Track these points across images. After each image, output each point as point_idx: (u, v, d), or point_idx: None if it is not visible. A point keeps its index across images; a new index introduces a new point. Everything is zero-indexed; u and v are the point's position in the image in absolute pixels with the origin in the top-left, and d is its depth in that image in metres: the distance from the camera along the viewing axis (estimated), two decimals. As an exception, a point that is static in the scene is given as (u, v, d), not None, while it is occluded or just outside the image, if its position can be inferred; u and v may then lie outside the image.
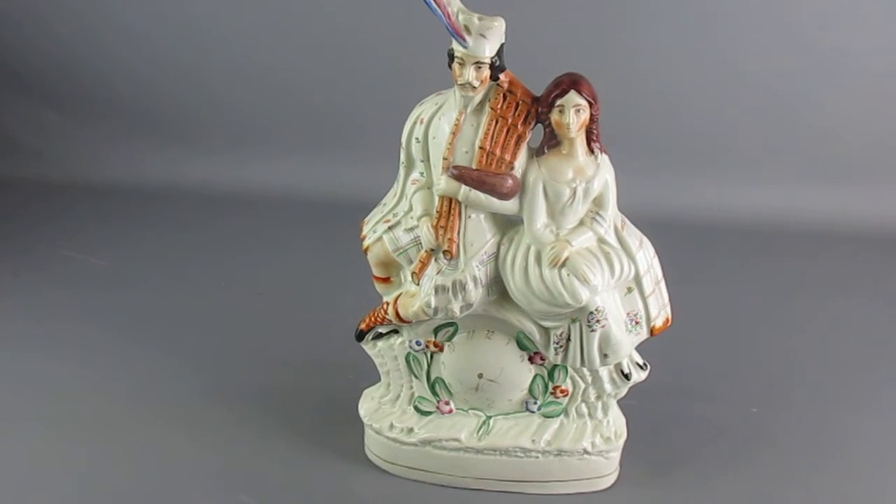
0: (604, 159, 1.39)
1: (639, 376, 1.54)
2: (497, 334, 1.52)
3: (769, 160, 2.96)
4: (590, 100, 1.34)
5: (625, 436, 1.58)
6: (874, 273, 2.55)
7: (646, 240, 1.46)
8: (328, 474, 1.63)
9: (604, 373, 1.52)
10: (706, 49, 2.88)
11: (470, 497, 1.59)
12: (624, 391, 1.56)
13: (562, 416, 1.58)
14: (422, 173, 1.43)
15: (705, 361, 2.02)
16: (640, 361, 1.55)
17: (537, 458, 1.56)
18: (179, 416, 1.79)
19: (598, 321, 1.40)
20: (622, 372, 1.52)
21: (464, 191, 1.37)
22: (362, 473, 1.64)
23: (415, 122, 1.41)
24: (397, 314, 1.50)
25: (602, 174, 1.38)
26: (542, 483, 1.59)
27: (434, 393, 1.59)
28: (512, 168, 1.37)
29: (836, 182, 2.91)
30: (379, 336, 1.57)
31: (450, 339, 1.54)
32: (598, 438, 1.56)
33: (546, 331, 1.47)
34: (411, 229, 1.45)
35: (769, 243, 2.73)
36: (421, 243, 1.43)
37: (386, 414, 1.62)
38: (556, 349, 1.46)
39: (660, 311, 1.48)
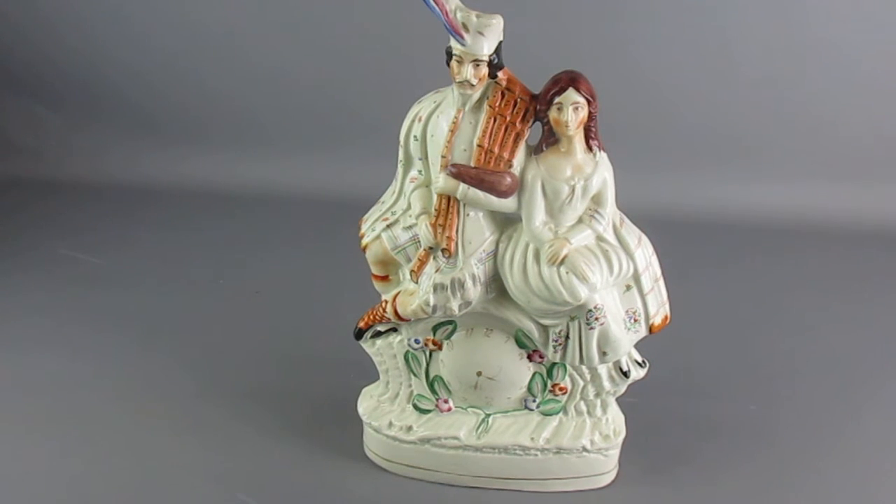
0: (602, 157, 1.39)
1: (637, 374, 1.54)
2: (496, 332, 1.52)
3: (769, 158, 2.96)
4: (588, 97, 1.34)
5: (624, 433, 1.58)
6: (874, 271, 2.55)
7: (644, 237, 1.46)
8: (327, 472, 1.63)
9: (603, 370, 1.52)
10: (706, 47, 2.88)
11: (469, 495, 1.59)
12: (623, 389, 1.56)
13: (561, 414, 1.58)
14: (420, 171, 1.43)
15: (704, 359, 2.02)
16: (639, 359, 1.55)
17: (536, 455, 1.57)
18: (178, 415, 1.80)
19: (596, 319, 1.40)
20: (621, 370, 1.52)
21: (462, 189, 1.37)
22: (361, 472, 1.64)
23: (413, 120, 1.41)
24: (396, 312, 1.50)
25: (600, 172, 1.38)
26: (541, 481, 1.59)
27: (433, 391, 1.59)
28: (510, 166, 1.37)
29: (836, 179, 2.91)
30: (378, 334, 1.57)
31: (448, 337, 1.54)
32: (596, 436, 1.56)
33: (545, 329, 1.47)
34: (410, 227, 1.45)
35: (769, 241, 2.73)
36: (419, 241, 1.43)
37: (385, 412, 1.62)
38: (554, 347, 1.47)
39: (658, 308, 1.48)
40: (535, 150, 1.40)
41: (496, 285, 1.45)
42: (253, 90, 3.15)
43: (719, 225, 2.82)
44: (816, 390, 1.92)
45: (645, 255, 1.45)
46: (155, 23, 3.10)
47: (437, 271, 1.43)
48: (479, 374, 1.55)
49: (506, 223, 1.44)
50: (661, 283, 1.48)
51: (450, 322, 1.51)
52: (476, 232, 1.41)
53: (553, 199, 1.38)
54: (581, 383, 1.54)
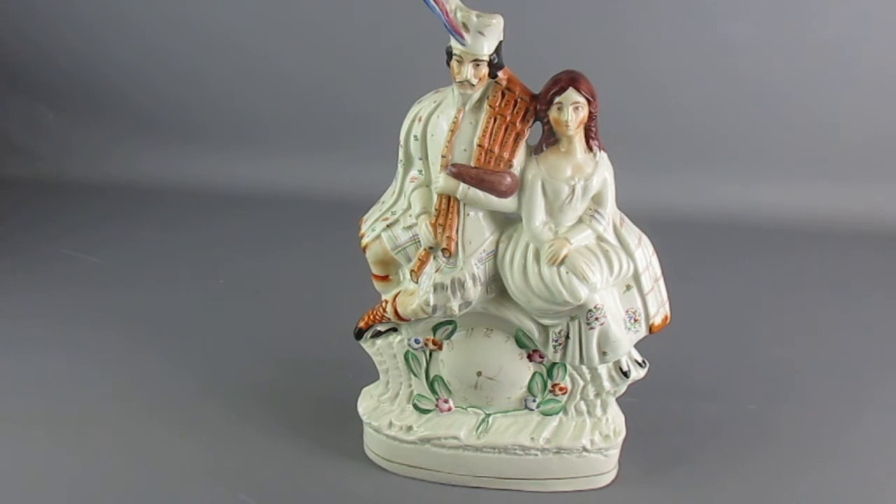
0: (602, 157, 1.39)
1: (637, 374, 1.54)
2: (496, 332, 1.52)
3: (769, 158, 2.96)
4: (588, 97, 1.34)
5: (623, 433, 1.58)
6: (874, 270, 2.55)
7: (644, 237, 1.46)
8: (327, 472, 1.63)
9: (603, 370, 1.52)
10: (706, 46, 2.88)
11: (469, 495, 1.59)
12: (623, 389, 1.56)
13: (561, 414, 1.58)
14: (420, 171, 1.43)
15: (704, 359, 2.02)
16: (639, 359, 1.55)
17: (536, 455, 1.56)
18: (178, 415, 1.79)
19: (596, 319, 1.40)
20: (621, 370, 1.52)
21: (462, 188, 1.37)
22: (361, 472, 1.64)
23: (413, 120, 1.41)
24: (396, 312, 1.50)
25: (601, 172, 1.38)
26: (540, 481, 1.59)
27: (433, 391, 1.59)
28: (510, 166, 1.36)
29: (836, 179, 2.91)
30: (378, 334, 1.57)
31: (448, 337, 1.54)
32: (596, 436, 1.56)
33: (545, 329, 1.47)
34: (410, 227, 1.44)
35: (769, 241, 2.73)
36: (419, 241, 1.43)
37: (385, 412, 1.62)
38: (554, 347, 1.47)
39: (658, 308, 1.48)
40: (535, 150, 1.40)
41: (496, 285, 1.45)
42: (253, 90, 3.15)
43: (719, 225, 2.82)
44: (816, 390, 1.92)
45: (645, 254, 1.44)
46: (155, 22, 3.10)
47: (437, 271, 1.42)
48: (479, 373, 1.55)
49: (506, 223, 1.44)
50: (661, 282, 1.48)
51: (450, 322, 1.51)
52: (476, 232, 1.41)
53: (553, 199, 1.38)
54: (581, 383, 1.54)
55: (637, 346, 1.51)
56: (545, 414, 1.58)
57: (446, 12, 1.28)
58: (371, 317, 1.56)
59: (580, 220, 1.40)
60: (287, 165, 3.11)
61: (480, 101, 1.36)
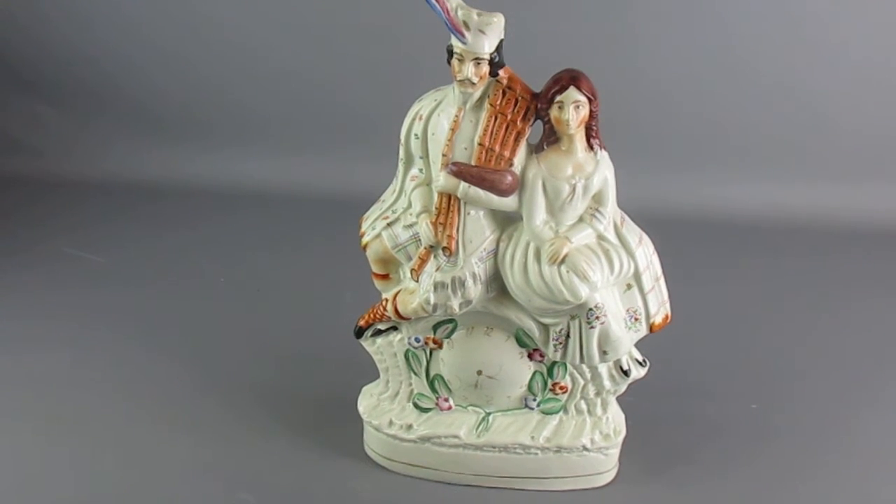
0: (603, 156, 1.39)
1: (638, 373, 1.54)
2: (496, 331, 1.52)
3: (770, 157, 2.95)
4: (589, 96, 1.34)
5: (624, 432, 1.58)
6: (875, 270, 2.54)
7: (645, 236, 1.46)
8: (327, 471, 1.63)
9: (603, 370, 1.52)
10: (707, 45, 2.88)
11: (469, 493, 1.59)
12: (623, 388, 1.56)
13: (561, 413, 1.58)
14: (421, 170, 1.43)
15: (705, 358, 2.02)
16: (640, 358, 1.55)
17: (536, 454, 1.56)
18: (178, 414, 1.79)
19: (597, 318, 1.40)
20: (621, 369, 1.52)
21: (463, 187, 1.37)
22: (361, 470, 1.64)
23: (414, 119, 1.41)
24: (396, 311, 1.50)
25: (601, 171, 1.38)
26: (540, 479, 1.59)
27: (433, 390, 1.59)
28: (511, 164, 1.36)
29: (836, 179, 2.91)
30: (378, 333, 1.57)
31: (449, 335, 1.53)
32: (597, 435, 1.56)
33: (545, 327, 1.46)
34: (410, 226, 1.44)
35: (769, 240, 2.73)
36: (420, 240, 1.43)
37: (385, 411, 1.62)
38: (555, 346, 1.46)
39: (659, 307, 1.48)
40: (535, 149, 1.40)
41: (497, 284, 1.45)
42: (255, 88, 3.15)
43: (719, 225, 2.82)
44: (817, 389, 1.92)
45: (646, 253, 1.44)
46: (158, 20, 3.10)
47: (437, 270, 1.42)
48: (479, 372, 1.55)
49: (506, 222, 1.44)
50: (662, 282, 1.48)
51: (450, 321, 1.51)
52: (477, 230, 1.41)
53: (554, 198, 1.38)
54: (581, 382, 1.54)
55: (637, 345, 1.51)
56: (545, 413, 1.58)
57: (447, 10, 1.28)
58: (371, 315, 1.56)
59: (581, 219, 1.40)
60: (287, 164, 3.11)
61: (481, 99, 1.36)
